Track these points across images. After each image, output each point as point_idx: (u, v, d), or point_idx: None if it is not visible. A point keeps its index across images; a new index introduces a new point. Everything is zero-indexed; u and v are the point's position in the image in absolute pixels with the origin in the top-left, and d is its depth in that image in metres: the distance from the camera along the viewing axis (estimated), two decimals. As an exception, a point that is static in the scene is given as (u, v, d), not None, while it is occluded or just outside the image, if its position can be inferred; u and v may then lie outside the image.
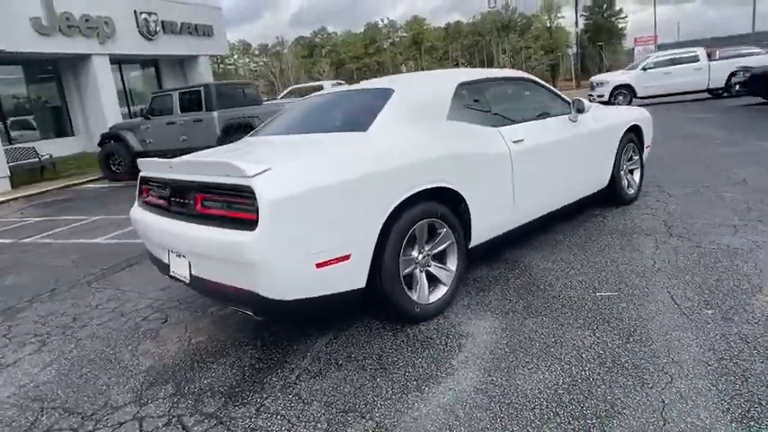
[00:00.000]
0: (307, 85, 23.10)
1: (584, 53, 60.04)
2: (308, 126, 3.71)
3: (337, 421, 2.32)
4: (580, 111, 4.25)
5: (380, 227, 2.62)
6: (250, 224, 2.35)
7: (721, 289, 3.34)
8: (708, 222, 4.69)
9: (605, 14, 67.03)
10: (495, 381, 2.54)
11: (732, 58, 17.31)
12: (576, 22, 41.68)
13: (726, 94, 17.20)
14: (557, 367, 2.61)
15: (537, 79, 4.45)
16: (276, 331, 3.29)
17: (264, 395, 2.59)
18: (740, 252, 3.90)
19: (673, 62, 18.03)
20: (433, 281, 3.11)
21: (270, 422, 2.35)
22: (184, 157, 3.26)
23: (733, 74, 16.51)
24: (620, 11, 69.27)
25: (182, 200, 2.90)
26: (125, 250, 5.85)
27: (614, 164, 4.94)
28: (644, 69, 18.33)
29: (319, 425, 2.30)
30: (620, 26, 75.08)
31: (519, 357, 2.75)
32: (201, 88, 11.98)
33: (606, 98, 17.76)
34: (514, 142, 3.52)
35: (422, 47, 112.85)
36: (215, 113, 11.59)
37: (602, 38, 55.45)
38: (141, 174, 3.36)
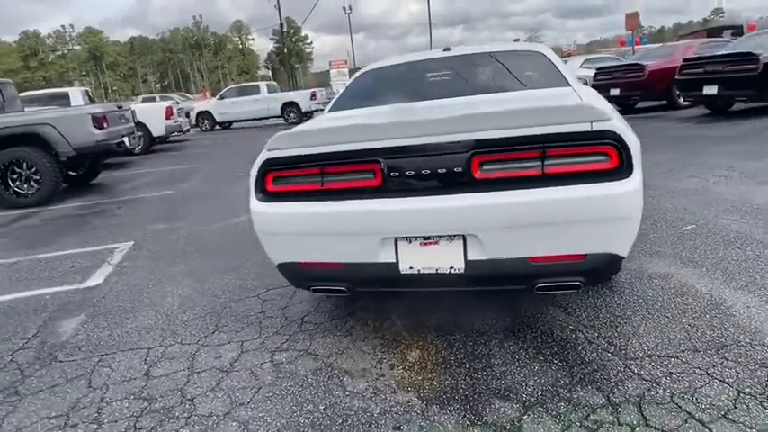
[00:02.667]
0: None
1: (276, 74, 63.69)
2: (451, 90, 3.17)
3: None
4: None
5: None
6: (603, 175, 1.98)
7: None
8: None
9: (293, 39, 72.52)
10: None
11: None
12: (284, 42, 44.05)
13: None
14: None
15: None
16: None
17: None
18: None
19: (240, 93, 19.99)
20: None
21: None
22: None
23: (287, 104, 19.28)
24: (306, 36, 76.60)
25: (437, 168, 2.17)
26: None
27: None
28: (221, 98, 20.19)
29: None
30: (307, 50, 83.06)
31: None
32: None
33: (194, 122, 19.55)
34: None
35: (102, 62, 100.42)
36: None
37: (293, 61, 60.28)
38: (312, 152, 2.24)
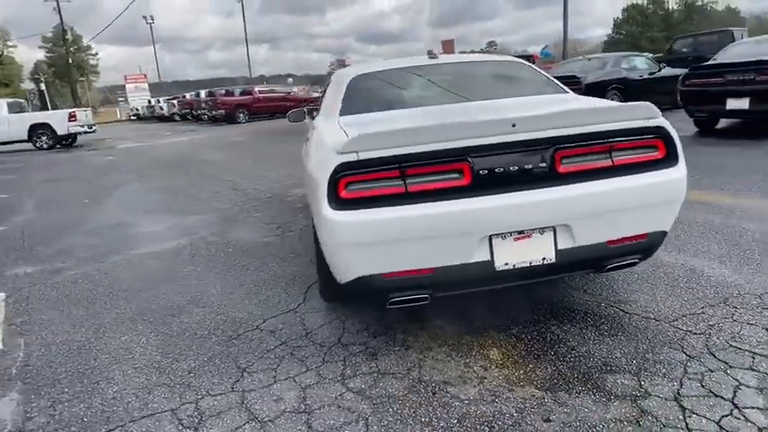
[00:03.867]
0: None
1: (50, 88, 55.11)
2: (470, 93, 3.09)
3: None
4: None
5: None
6: (658, 164, 2.24)
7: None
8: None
9: (72, 49, 63.29)
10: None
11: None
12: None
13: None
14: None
15: None
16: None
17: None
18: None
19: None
20: None
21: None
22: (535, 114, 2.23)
23: (36, 126, 16.36)
24: (89, 47, 67.37)
25: (525, 164, 2.15)
26: None
27: None
28: None
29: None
30: (91, 62, 73.55)
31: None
32: None
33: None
34: None
35: None
36: None
37: (75, 73, 52.67)
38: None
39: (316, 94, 27.65)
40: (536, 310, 2.75)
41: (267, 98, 23.79)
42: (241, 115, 22.69)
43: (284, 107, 21.34)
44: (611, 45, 57.21)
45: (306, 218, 4.95)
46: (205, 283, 3.58)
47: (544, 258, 2.22)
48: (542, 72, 3.46)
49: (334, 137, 2.41)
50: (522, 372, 2.22)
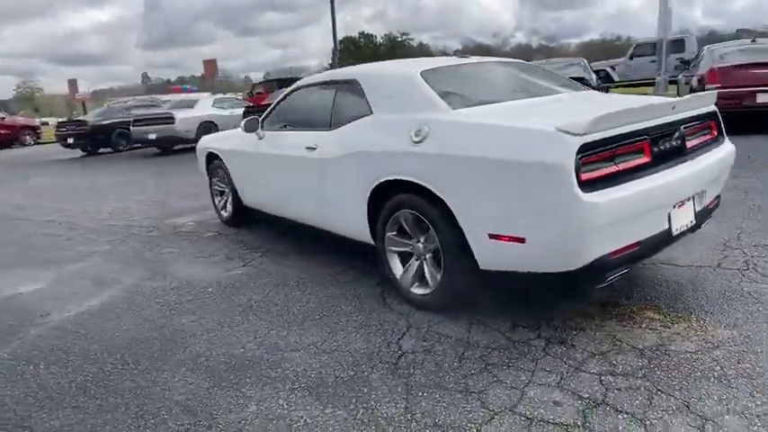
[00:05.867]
0: None
1: None
2: (523, 91, 3.00)
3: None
4: None
5: None
6: (719, 140, 2.80)
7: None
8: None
9: None
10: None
11: None
12: None
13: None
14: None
15: None
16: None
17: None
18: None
19: None
20: None
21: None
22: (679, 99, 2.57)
23: None
24: None
25: (674, 141, 2.39)
26: None
27: None
28: None
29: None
30: None
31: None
32: None
33: None
34: None
35: None
36: None
37: None
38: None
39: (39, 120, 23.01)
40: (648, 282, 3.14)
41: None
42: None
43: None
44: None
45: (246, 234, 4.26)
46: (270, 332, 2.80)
47: (690, 221, 2.62)
48: (549, 70, 3.87)
49: (518, 123, 2.38)
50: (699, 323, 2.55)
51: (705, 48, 9.04)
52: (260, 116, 4.15)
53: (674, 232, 2.49)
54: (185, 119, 12.63)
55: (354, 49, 65.24)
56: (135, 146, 14.70)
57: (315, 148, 3.34)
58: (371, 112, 3.02)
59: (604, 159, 2.18)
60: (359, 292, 3.17)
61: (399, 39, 65.47)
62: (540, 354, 2.33)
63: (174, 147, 13.74)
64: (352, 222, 3.17)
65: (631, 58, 18.16)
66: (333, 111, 3.37)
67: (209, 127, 13.13)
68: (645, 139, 2.34)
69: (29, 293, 3.67)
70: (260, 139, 4.03)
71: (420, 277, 2.84)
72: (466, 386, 2.12)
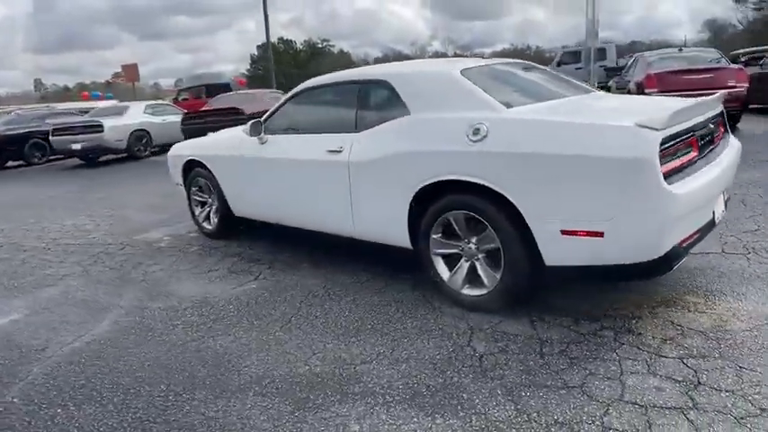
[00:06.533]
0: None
1: None
2: (551, 90, 3.10)
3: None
4: None
5: None
6: (725, 135, 3.01)
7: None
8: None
9: None
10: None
11: None
12: None
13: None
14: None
15: None
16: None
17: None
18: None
19: None
20: None
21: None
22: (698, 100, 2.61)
23: None
24: None
25: (708, 136, 2.56)
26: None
27: None
28: None
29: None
30: None
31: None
32: None
33: None
34: None
35: None
36: None
37: None
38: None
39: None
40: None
41: None
42: None
43: None
44: (252, 80, 61.81)
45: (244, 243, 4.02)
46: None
47: (723, 210, 2.81)
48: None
49: (593, 120, 2.46)
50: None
51: (637, 55, 9.92)
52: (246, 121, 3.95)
53: (716, 220, 2.67)
54: (115, 127, 11.68)
55: (274, 55, 63.97)
56: (53, 158, 13.41)
57: (340, 151, 3.21)
58: (409, 113, 2.96)
59: (672, 154, 2.29)
60: (398, 297, 3.08)
61: (320, 45, 65.06)
62: (614, 344, 2.39)
63: (100, 158, 12.69)
64: (389, 226, 3.08)
65: (558, 65, 19.34)
66: (357, 112, 3.26)
67: (141, 136, 12.28)
68: (693, 134, 2.49)
69: (6, 326, 3.19)
70: (263, 143, 3.81)
71: (471, 278, 2.82)
72: (564, 382, 2.13)
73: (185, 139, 6.98)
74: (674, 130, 2.27)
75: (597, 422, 1.88)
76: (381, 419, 1.99)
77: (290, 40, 63.45)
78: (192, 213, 4.86)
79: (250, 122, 3.83)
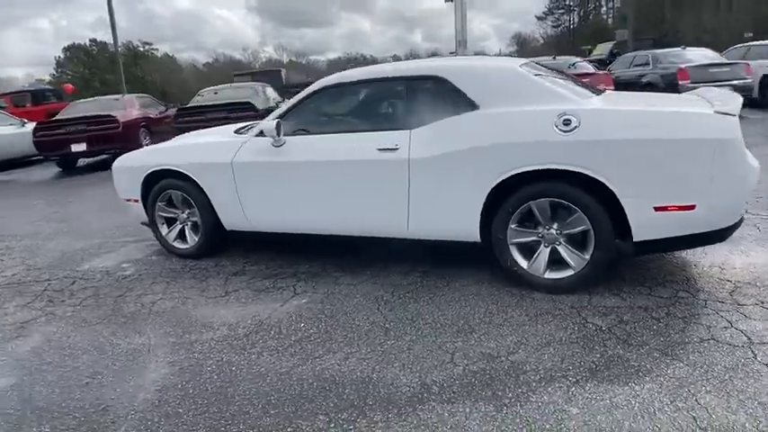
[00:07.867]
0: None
1: None
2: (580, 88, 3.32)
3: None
4: None
5: None
6: None
7: None
8: None
9: None
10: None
11: None
12: None
13: None
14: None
15: None
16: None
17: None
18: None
19: None
20: None
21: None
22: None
23: None
24: None
25: None
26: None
27: None
28: None
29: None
30: None
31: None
32: None
33: None
34: None
35: None
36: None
37: None
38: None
39: None
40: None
41: None
42: None
43: None
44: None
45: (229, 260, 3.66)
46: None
47: None
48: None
49: (680, 108, 2.78)
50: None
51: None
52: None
53: None
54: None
55: (87, 58, 56.38)
56: None
57: (396, 149, 3.12)
58: (477, 107, 3.01)
59: None
60: (471, 291, 3.10)
61: (142, 49, 59.12)
62: (698, 302, 2.77)
63: None
64: (457, 221, 3.09)
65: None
66: (408, 109, 3.19)
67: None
68: None
69: (8, 390, 2.43)
70: (279, 146, 3.47)
71: (553, 262, 2.97)
72: (698, 337, 2.41)
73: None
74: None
75: (759, 359, 2.19)
76: (587, 397, 2.04)
77: (104, 42, 56.45)
78: (157, 234, 4.18)
79: (265, 122, 3.47)
